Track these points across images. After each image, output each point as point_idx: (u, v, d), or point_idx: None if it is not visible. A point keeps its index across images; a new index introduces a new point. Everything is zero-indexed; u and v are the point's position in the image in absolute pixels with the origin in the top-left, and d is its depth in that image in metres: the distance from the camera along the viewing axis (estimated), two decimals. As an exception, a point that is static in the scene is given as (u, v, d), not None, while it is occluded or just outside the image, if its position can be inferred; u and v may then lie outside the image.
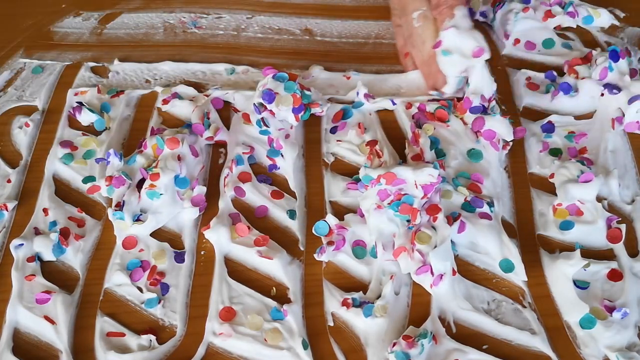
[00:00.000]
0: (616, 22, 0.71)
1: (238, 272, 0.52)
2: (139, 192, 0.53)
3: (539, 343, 0.47)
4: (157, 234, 0.54)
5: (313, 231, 0.52)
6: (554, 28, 0.70)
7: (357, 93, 0.62)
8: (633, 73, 0.62)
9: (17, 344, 0.47)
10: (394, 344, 0.45)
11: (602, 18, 0.70)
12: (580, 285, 0.50)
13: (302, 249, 0.53)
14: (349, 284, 0.51)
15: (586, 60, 0.64)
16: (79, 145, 0.60)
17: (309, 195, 0.57)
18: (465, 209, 0.53)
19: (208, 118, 0.59)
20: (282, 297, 0.50)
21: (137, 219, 0.52)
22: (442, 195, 0.53)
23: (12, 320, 0.48)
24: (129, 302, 0.50)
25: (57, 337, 0.47)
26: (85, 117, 0.62)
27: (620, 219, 0.53)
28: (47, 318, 0.48)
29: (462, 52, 0.57)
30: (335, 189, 0.57)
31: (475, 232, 0.52)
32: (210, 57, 0.68)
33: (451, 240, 0.51)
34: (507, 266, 0.50)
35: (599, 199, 0.54)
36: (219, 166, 0.59)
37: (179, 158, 0.54)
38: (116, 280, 0.50)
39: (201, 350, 0.47)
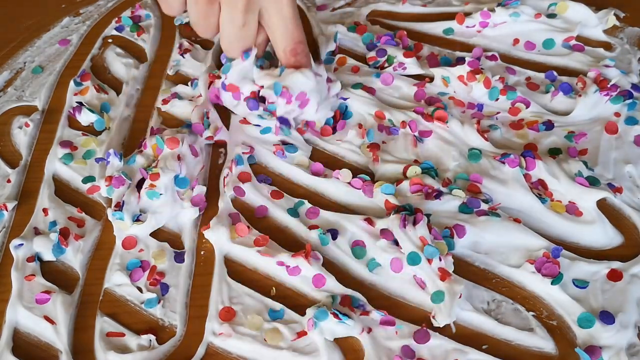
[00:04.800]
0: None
1: (238, 272, 0.52)
2: (139, 192, 0.53)
3: (540, 342, 0.47)
4: (157, 234, 0.54)
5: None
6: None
7: None
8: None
9: (17, 344, 0.47)
10: None
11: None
12: (580, 285, 0.50)
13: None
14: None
15: (601, 84, 0.62)
16: (78, 145, 0.60)
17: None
18: (463, 212, 0.53)
19: (207, 118, 0.59)
20: (282, 297, 0.50)
21: (137, 219, 0.52)
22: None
23: (12, 320, 0.48)
24: (129, 302, 0.50)
25: (57, 337, 0.47)
26: (85, 117, 0.62)
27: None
28: (47, 318, 0.48)
29: None
30: (336, 188, 0.57)
31: (477, 231, 0.52)
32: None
33: (451, 240, 0.51)
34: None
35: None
36: (219, 166, 0.59)
37: (179, 158, 0.54)
38: (116, 280, 0.50)
39: (201, 350, 0.47)
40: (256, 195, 0.56)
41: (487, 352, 0.47)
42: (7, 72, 0.68)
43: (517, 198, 0.55)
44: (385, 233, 0.51)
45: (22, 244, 0.52)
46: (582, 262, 0.51)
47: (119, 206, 0.52)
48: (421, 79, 0.65)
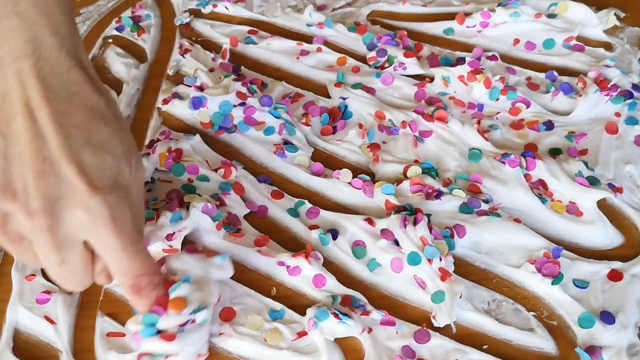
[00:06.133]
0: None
1: (238, 272, 0.52)
2: None
3: (540, 342, 0.47)
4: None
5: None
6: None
7: None
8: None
9: (17, 344, 0.47)
10: None
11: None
12: (580, 285, 0.50)
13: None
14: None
15: (602, 84, 0.62)
16: (79, 145, 0.60)
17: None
18: (463, 212, 0.53)
19: None
20: (282, 297, 0.50)
21: None
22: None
23: (12, 320, 0.48)
24: (129, 302, 0.50)
25: (57, 337, 0.47)
26: (86, 117, 0.61)
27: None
28: (47, 318, 0.48)
29: None
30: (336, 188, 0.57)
31: (478, 231, 0.52)
32: None
33: (451, 240, 0.51)
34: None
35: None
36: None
37: None
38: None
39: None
40: (256, 195, 0.56)
41: (487, 352, 0.47)
42: (8, 72, 0.67)
43: (517, 198, 0.55)
44: (385, 233, 0.51)
45: (22, 244, 0.52)
46: (582, 262, 0.51)
47: None
48: (421, 79, 0.65)
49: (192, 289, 0.44)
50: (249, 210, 0.54)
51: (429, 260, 0.48)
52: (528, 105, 0.62)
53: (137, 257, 0.42)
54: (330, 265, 0.51)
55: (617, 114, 0.61)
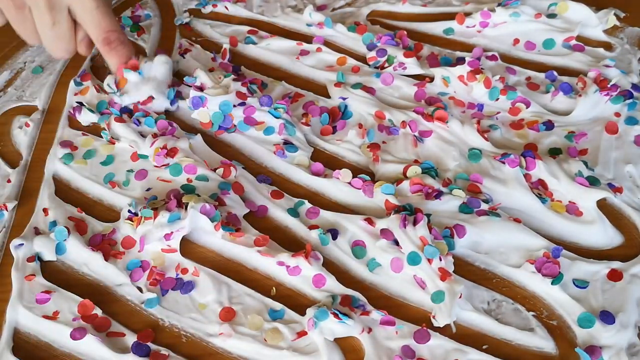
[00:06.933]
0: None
1: (238, 272, 0.52)
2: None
3: (540, 342, 0.47)
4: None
5: None
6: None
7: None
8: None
9: (17, 344, 0.47)
10: None
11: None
12: (580, 285, 0.50)
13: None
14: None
15: (601, 84, 0.62)
16: (79, 145, 0.60)
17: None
18: (463, 212, 0.53)
19: None
20: (282, 297, 0.50)
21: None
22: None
23: (12, 320, 0.48)
24: (129, 302, 0.50)
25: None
26: (85, 117, 0.62)
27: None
28: (46, 317, 0.48)
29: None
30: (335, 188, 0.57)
31: (477, 230, 0.52)
32: None
33: (451, 240, 0.51)
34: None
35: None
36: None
37: None
38: (116, 280, 0.50)
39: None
40: (256, 195, 0.56)
41: (487, 352, 0.47)
42: (8, 72, 0.68)
43: (517, 198, 0.55)
44: (385, 233, 0.51)
45: (22, 244, 0.52)
46: (582, 262, 0.51)
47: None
48: (421, 79, 0.65)
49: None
50: (248, 210, 0.55)
51: (429, 260, 0.48)
52: (528, 105, 0.62)
53: (107, 16, 0.58)
54: (330, 265, 0.51)
55: (617, 114, 0.61)
